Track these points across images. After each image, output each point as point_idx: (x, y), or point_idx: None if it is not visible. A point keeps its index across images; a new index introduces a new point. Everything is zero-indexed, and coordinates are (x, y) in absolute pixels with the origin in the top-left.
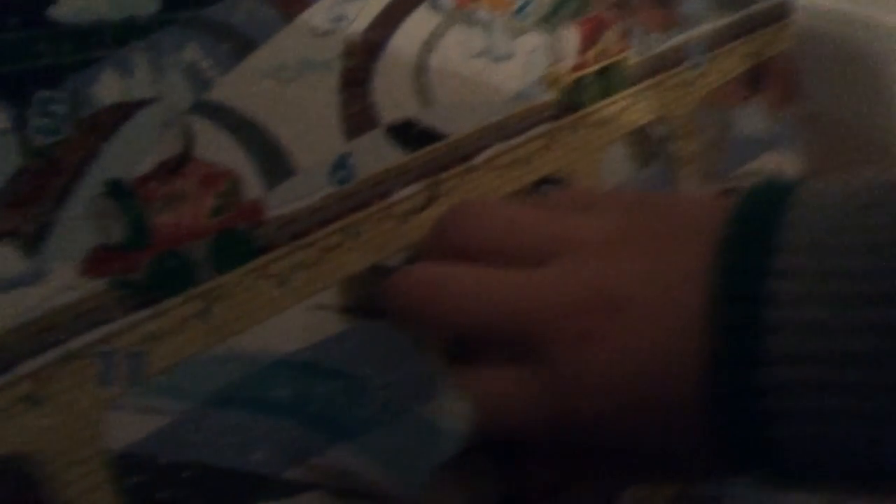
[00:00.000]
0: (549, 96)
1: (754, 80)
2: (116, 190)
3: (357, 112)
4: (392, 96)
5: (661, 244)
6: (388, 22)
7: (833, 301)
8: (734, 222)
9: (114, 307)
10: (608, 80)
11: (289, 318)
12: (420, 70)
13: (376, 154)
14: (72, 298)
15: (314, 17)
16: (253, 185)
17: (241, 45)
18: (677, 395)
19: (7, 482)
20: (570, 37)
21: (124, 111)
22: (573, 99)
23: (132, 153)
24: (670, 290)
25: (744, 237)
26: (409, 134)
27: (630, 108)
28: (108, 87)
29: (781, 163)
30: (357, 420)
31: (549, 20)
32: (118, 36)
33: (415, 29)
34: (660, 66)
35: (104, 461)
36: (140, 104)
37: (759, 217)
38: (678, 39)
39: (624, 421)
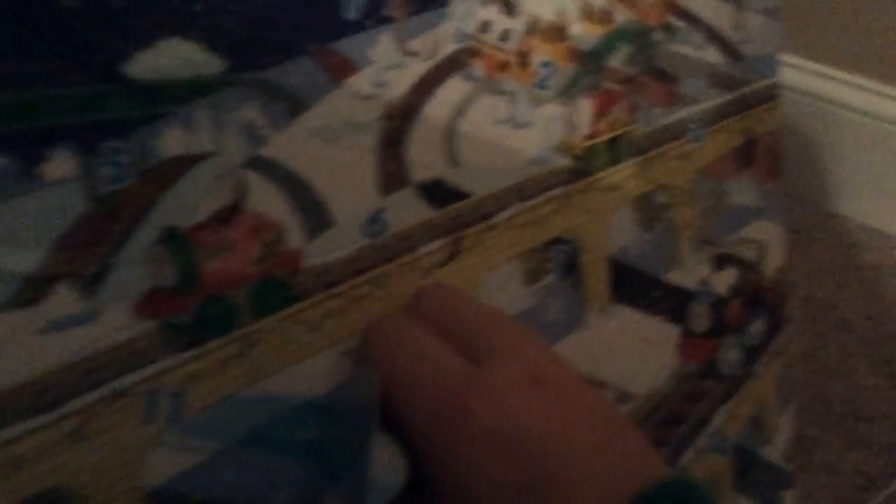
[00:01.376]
0: (563, 162)
1: (746, 154)
2: (172, 237)
3: (392, 170)
4: (424, 157)
5: (571, 450)
6: (424, 89)
7: None
8: None
9: (160, 347)
10: (617, 150)
11: (317, 363)
12: (450, 133)
13: (407, 210)
14: (123, 338)
15: (359, 82)
16: (295, 236)
17: (294, 105)
18: None
19: None
20: (585, 108)
21: (184, 163)
22: (585, 165)
23: (189, 203)
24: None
25: None
26: (437, 192)
27: (636, 175)
28: (171, 141)
29: (768, 231)
30: (350, 463)
31: (567, 92)
32: (185, 94)
33: (448, 96)
34: (663, 138)
35: (140, 497)
36: (199, 157)
37: None
38: (680, 115)
39: None
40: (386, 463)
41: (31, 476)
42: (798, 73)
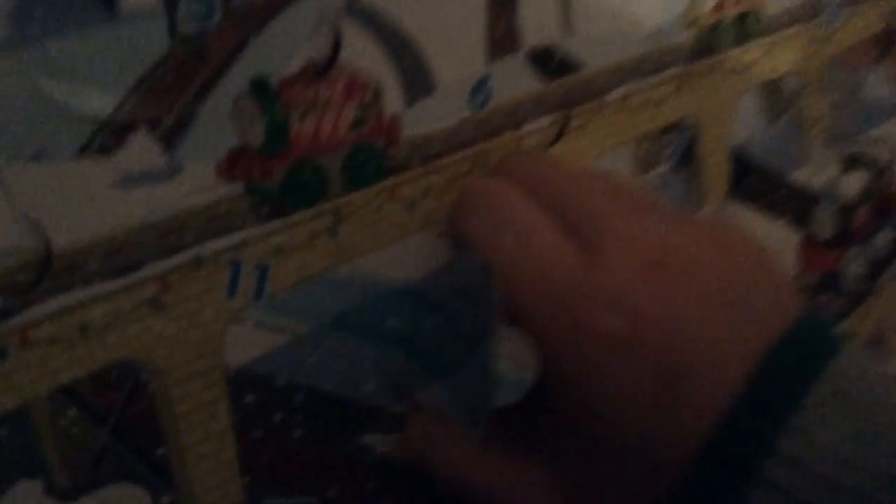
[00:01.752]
0: (685, 37)
1: (884, 44)
2: (261, 90)
3: (502, 32)
4: (536, 21)
5: (721, 303)
6: None
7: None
8: (767, 370)
9: (246, 214)
10: (746, 27)
11: (411, 244)
12: (562, 2)
13: (514, 80)
14: (205, 200)
15: None
16: (393, 100)
17: None
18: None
19: (121, 388)
20: None
21: (277, 4)
22: (709, 42)
23: (280, 51)
24: (709, 351)
25: (766, 395)
26: (547, 62)
27: (764, 58)
28: None
29: None
30: (448, 358)
31: None
32: None
33: None
34: (797, 17)
35: (223, 376)
36: (291, 2)
37: (788, 379)
38: None
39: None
40: (514, 358)
41: (104, 345)
42: None
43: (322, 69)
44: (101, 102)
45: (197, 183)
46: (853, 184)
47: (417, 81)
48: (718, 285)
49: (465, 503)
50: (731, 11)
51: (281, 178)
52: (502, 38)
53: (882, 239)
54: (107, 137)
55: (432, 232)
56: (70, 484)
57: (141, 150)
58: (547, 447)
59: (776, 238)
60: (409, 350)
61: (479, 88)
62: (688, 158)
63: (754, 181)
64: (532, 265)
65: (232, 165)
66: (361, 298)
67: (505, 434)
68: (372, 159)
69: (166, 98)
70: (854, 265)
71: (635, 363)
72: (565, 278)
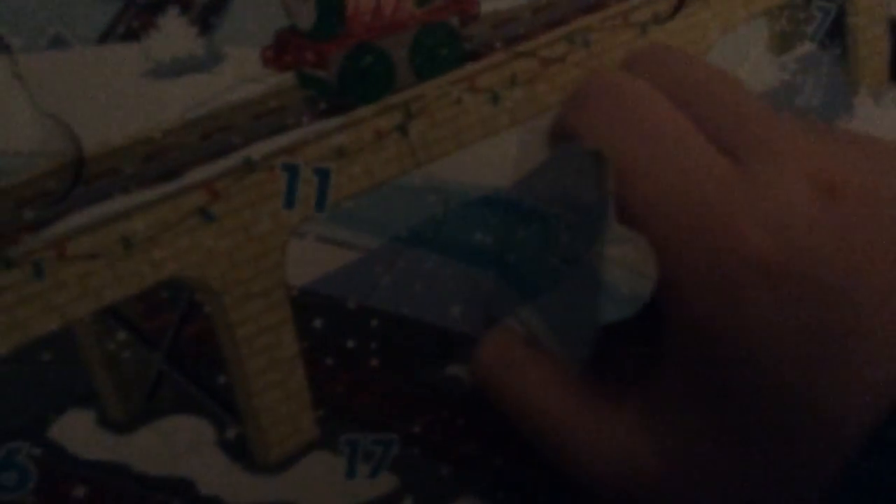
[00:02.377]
0: None
1: None
2: None
3: None
4: None
5: None
6: None
7: None
8: None
9: (300, 110)
10: None
11: (498, 144)
12: None
13: None
14: (252, 93)
15: None
16: None
17: None
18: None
19: (174, 309)
20: None
21: None
22: None
23: None
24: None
25: None
26: None
27: None
28: None
29: None
30: (546, 275)
31: None
32: None
33: None
34: None
35: (285, 297)
36: None
37: None
38: None
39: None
40: (630, 264)
41: (150, 261)
42: None
43: None
44: None
45: (241, 73)
46: None
47: None
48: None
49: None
50: None
51: (338, 67)
52: None
53: None
54: (133, 18)
55: (523, 128)
56: (124, 415)
57: (173, 33)
58: (655, 392)
59: None
60: (500, 267)
61: None
62: (838, 32)
63: None
64: (670, 168)
65: (280, 52)
66: (441, 208)
67: (600, 367)
68: (445, 41)
69: None
70: None
71: (792, 301)
72: (713, 188)
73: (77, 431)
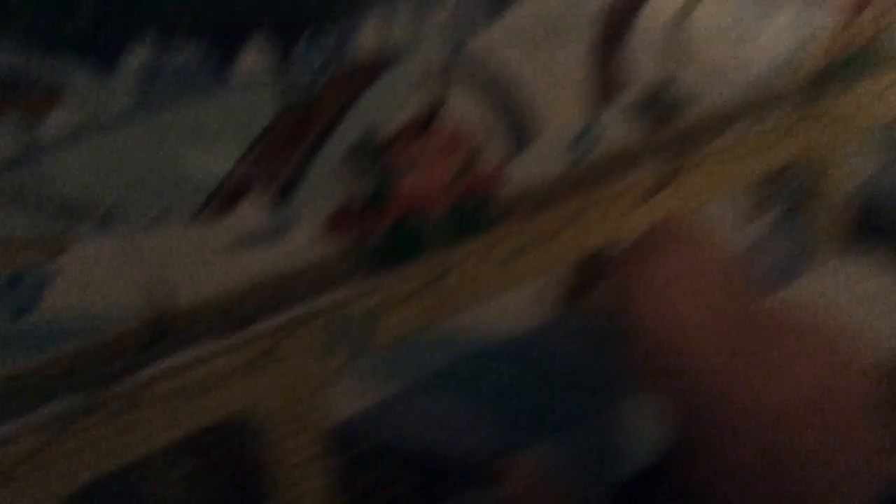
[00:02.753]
0: (799, 76)
1: None
2: (366, 149)
3: (606, 79)
4: (642, 65)
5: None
6: None
7: None
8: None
9: (351, 270)
10: (863, 64)
11: (514, 297)
12: (672, 40)
13: (619, 127)
14: (313, 258)
15: None
16: (496, 149)
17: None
18: None
19: (227, 443)
20: (830, 15)
21: (381, 64)
22: (824, 81)
23: (385, 108)
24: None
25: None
26: (653, 107)
27: (883, 96)
28: (369, 34)
29: None
30: (558, 417)
31: None
32: None
33: None
34: None
35: (323, 433)
36: (398, 57)
37: None
38: None
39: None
40: (648, 417)
41: (221, 399)
42: None
43: (426, 122)
44: (217, 164)
45: (304, 242)
46: None
47: (519, 131)
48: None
49: None
50: (848, 50)
51: (385, 233)
52: (606, 85)
53: None
54: (223, 200)
55: (537, 285)
56: None
57: (253, 211)
58: None
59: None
60: (512, 408)
61: (584, 135)
62: (805, 200)
63: (881, 222)
64: (703, 378)
65: (337, 223)
66: (459, 355)
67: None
68: (475, 212)
69: (277, 158)
70: None
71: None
72: (733, 399)
73: None
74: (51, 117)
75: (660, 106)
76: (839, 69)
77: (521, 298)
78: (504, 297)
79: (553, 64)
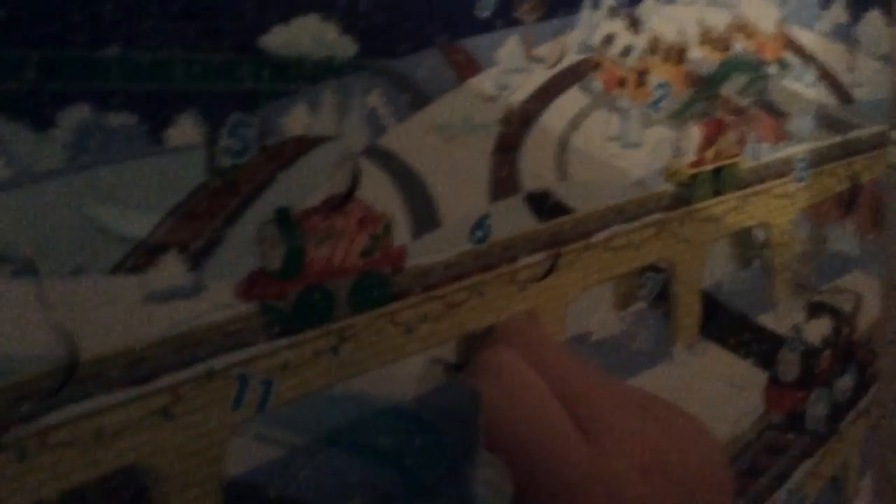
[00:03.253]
0: (666, 187)
1: (849, 201)
2: (284, 219)
3: (503, 176)
4: (535, 166)
5: None
6: (544, 96)
7: None
8: None
9: (258, 332)
10: (721, 180)
11: (406, 365)
12: (563, 145)
13: (512, 219)
14: (223, 317)
15: (483, 82)
16: (401, 232)
17: (417, 97)
18: None
19: (120, 495)
20: (693, 134)
21: (305, 144)
22: (688, 193)
23: (304, 185)
24: None
25: None
26: (543, 204)
27: (737, 209)
28: (295, 120)
29: (865, 282)
30: (434, 479)
31: (678, 116)
32: (315, 72)
33: (565, 106)
34: (768, 174)
35: (217, 486)
36: (320, 140)
37: None
38: (786, 152)
39: None
40: (491, 483)
41: (114, 451)
42: None
43: (340, 202)
44: (139, 225)
45: (216, 301)
46: (818, 330)
47: (425, 217)
48: (696, 488)
49: None
50: (709, 166)
51: (293, 300)
52: (503, 181)
53: (844, 382)
54: (140, 256)
55: (428, 354)
56: None
57: (169, 269)
58: None
59: (744, 376)
60: (398, 468)
61: (480, 225)
62: (663, 297)
63: (725, 322)
64: (543, 435)
65: (250, 286)
66: (353, 416)
67: None
68: (378, 285)
69: (198, 223)
70: (818, 407)
71: None
72: (573, 459)
73: None
74: None
75: (545, 206)
76: (702, 183)
77: (416, 367)
78: (402, 365)
79: (455, 162)
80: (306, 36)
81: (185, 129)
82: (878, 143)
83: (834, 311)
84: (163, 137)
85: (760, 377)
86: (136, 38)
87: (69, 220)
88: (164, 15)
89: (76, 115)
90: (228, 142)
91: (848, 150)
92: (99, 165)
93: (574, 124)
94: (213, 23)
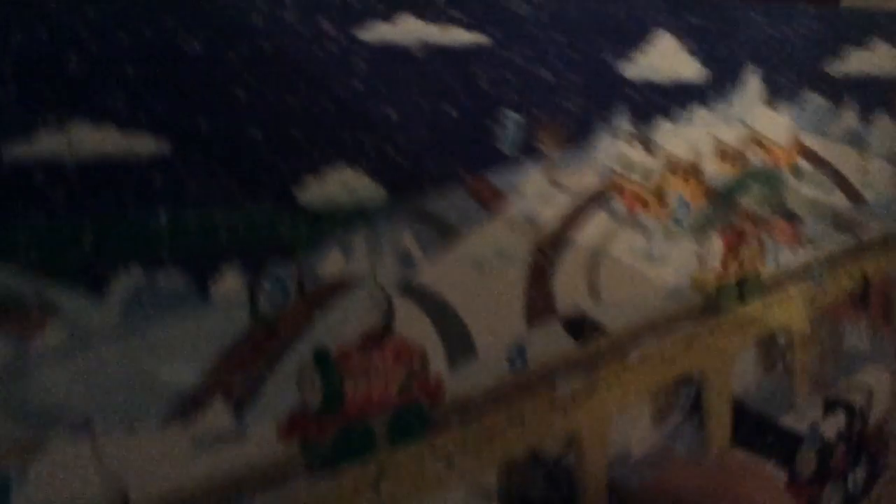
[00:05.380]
0: (694, 298)
1: (863, 298)
2: (322, 360)
3: (538, 303)
4: (569, 290)
5: None
6: (571, 222)
7: None
8: None
9: (300, 471)
10: (746, 289)
11: (450, 496)
12: (594, 266)
13: (549, 344)
14: (267, 459)
15: (511, 212)
16: (438, 363)
17: (446, 233)
18: None
19: None
20: (716, 245)
21: (341, 287)
22: (715, 303)
23: (342, 325)
24: None
25: None
26: (579, 326)
27: (762, 316)
28: (331, 264)
29: (877, 375)
30: None
31: (700, 229)
32: (348, 219)
33: (592, 229)
34: (788, 279)
35: None
36: (355, 281)
37: None
38: (805, 256)
39: None
40: None
41: None
42: None
43: (376, 339)
44: (188, 376)
45: (260, 443)
46: (833, 425)
47: (461, 348)
48: None
49: None
50: (733, 276)
51: (333, 437)
52: (538, 307)
53: (857, 475)
54: (189, 406)
55: (469, 485)
56: None
57: (216, 414)
58: None
59: (767, 477)
60: None
61: (518, 353)
62: (697, 407)
63: (753, 426)
64: None
65: (291, 427)
66: None
67: None
68: (417, 419)
69: (242, 368)
70: (832, 501)
71: None
72: None
73: None
74: (43, 335)
75: (582, 326)
76: (728, 291)
77: (459, 497)
78: (444, 496)
79: (489, 292)
80: (337, 185)
81: (229, 282)
82: (889, 240)
83: (848, 407)
84: (209, 291)
85: (781, 476)
86: (182, 200)
87: (124, 378)
88: (208, 178)
89: (129, 279)
90: (269, 290)
91: (861, 249)
92: (151, 324)
93: (602, 246)
94: (254, 180)
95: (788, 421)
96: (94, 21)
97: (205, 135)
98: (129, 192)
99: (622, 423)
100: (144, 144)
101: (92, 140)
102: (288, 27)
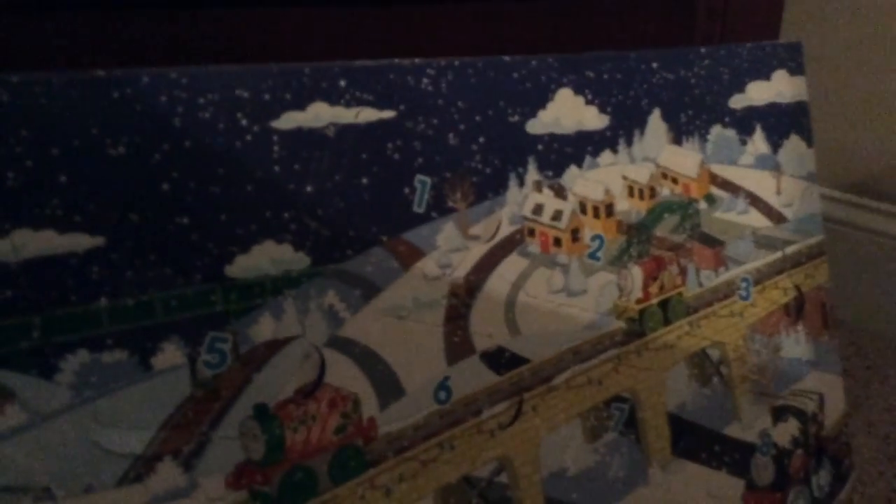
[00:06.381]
0: (617, 324)
1: (796, 309)
2: (262, 413)
3: (457, 342)
4: (486, 328)
5: None
6: (485, 267)
7: None
8: None
9: None
10: (669, 311)
11: None
12: (510, 305)
13: (471, 377)
14: None
15: (426, 265)
16: (370, 406)
17: (368, 289)
18: None
19: None
20: (635, 274)
21: (274, 346)
22: (639, 327)
23: (277, 381)
24: None
25: None
26: (499, 359)
27: (689, 334)
28: (263, 328)
29: (825, 381)
30: None
31: (617, 262)
32: (276, 287)
33: (507, 271)
34: (713, 298)
35: None
36: (287, 340)
37: None
38: (727, 275)
39: None
40: None
41: None
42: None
43: (310, 390)
44: (137, 442)
45: (209, 495)
46: (786, 432)
47: (390, 389)
48: None
49: None
50: (654, 300)
51: (278, 482)
52: (458, 346)
53: (821, 479)
54: (140, 468)
55: None
56: None
57: (166, 474)
58: None
59: (721, 487)
60: None
61: (442, 387)
62: (631, 425)
63: (694, 438)
64: None
65: (238, 477)
66: None
67: None
68: (354, 457)
69: (187, 430)
70: None
71: None
72: None
73: None
74: (4, 419)
75: (502, 360)
76: (651, 315)
77: None
78: None
79: (410, 337)
80: (265, 258)
81: (169, 354)
82: (816, 252)
83: (798, 413)
84: (151, 364)
85: (738, 485)
86: (120, 287)
87: (78, 448)
88: (142, 265)
89: (77, 360)
90: (207, 357)
91: (788, 264)
92: (99, 397)
93: (517, 285)
94: (186, 262)
95: (735, 431)
96: (27, 139)
97: (135, 227)
98: (71, 285)
99: (553, 443)
100: (80, 242)
101: (34, 242)
102: (207, 124)
